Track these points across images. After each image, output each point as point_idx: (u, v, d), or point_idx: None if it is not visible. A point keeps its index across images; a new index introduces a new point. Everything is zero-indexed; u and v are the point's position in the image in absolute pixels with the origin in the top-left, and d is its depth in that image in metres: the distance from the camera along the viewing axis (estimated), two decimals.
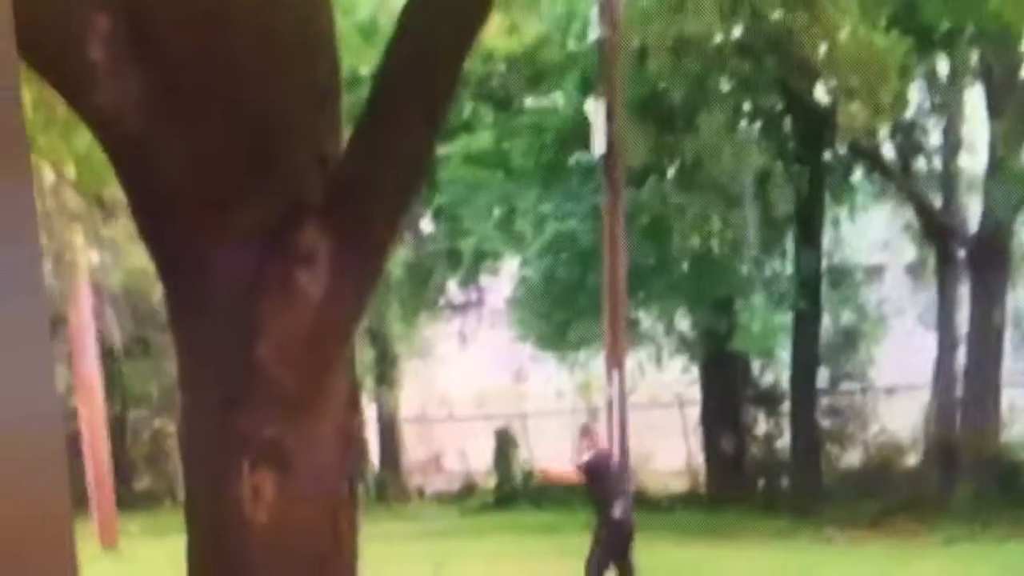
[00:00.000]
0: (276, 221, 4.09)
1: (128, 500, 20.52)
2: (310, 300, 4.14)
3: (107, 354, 20.10)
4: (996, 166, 18.68)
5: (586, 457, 12.72)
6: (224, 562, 4.20)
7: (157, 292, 18.34)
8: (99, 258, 18.67)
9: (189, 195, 4.14)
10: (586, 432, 13.33)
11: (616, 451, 16.06)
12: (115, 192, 15.51)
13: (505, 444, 22.49)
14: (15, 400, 0.99)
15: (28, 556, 1.03)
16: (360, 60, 12.83)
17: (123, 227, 16.56)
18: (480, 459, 22.87)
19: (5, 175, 1.01)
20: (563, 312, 19.05)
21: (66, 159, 15.20)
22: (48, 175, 16.16)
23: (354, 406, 4.48)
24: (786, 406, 21.74)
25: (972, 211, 20.28)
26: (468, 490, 22.85)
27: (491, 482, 22.66)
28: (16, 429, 1.00)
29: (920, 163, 20.74)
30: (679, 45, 15.50)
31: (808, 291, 20.15)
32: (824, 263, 20.99)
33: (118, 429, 20.83)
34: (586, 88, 16.89)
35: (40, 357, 1.01)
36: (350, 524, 4.34)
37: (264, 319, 4.14)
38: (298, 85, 4.24)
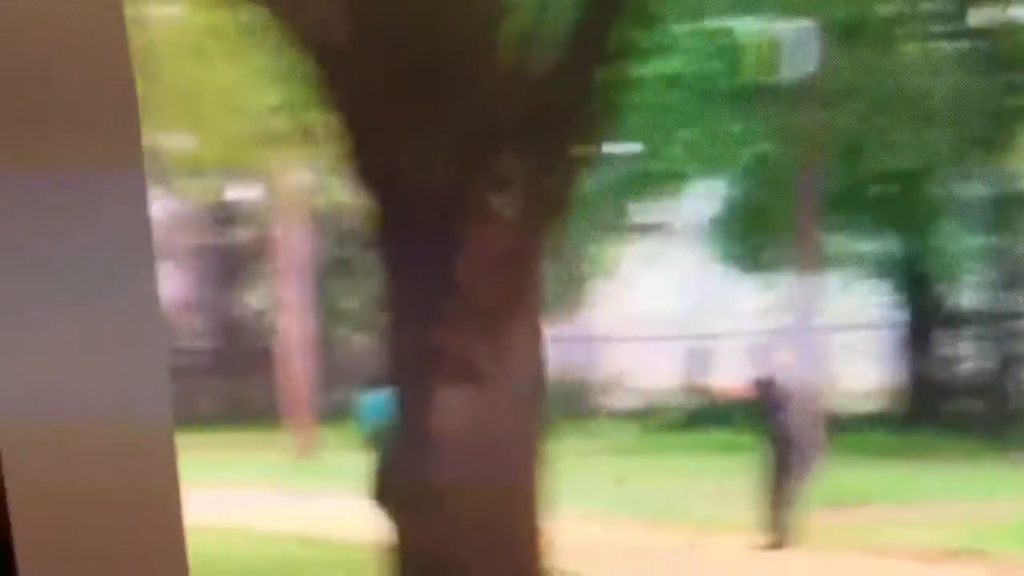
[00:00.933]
0: (474, 144, 4.34)
1: (327, 413, 21.16)
2: (505, 221, 4.40)
3: (313, 271, 20.81)
4: None
5: (761, 374, 12.82)
6: (422, 470, 4.46)
7: (359, 211, 19.08)
8: (305, 179, 19.25)
9: (390, 114, 4.39)
10: (764, 350, 13.39)
11: (801, 371, 16.34)
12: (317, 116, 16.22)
13: (690, 364, 22.78)
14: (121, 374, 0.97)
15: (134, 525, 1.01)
16: None
17: (328, 150, 17.12)
18: (664, 378, 23.13)
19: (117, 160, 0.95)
20: (755, 234, 19.27)
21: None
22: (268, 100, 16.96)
23: (543, 323, 4.56)
24: (978, 329, 21.48)
25: None
26: (651, 409, 23.08)
27: (675, 401, 22.91)
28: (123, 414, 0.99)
29: None
30: None
31: (1002, 213, 19.81)
32: (1021, 185, 20.55)
33: (319, 345, 21.52)
34: (785, 8, 16.83)
35: (149, 330, 0.97)
36: (539, 437, 4.47)
37: (462, 239, 4.39)
38: (494, 12, 4.34)
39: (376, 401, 12.95)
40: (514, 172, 4.46)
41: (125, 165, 0.95)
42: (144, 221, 0.96)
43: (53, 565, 0.94)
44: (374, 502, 11.89)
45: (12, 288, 0.90)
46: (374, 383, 13.37)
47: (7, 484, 0.91)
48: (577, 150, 4.68)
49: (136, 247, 0.95)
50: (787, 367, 13.92)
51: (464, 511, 4.47)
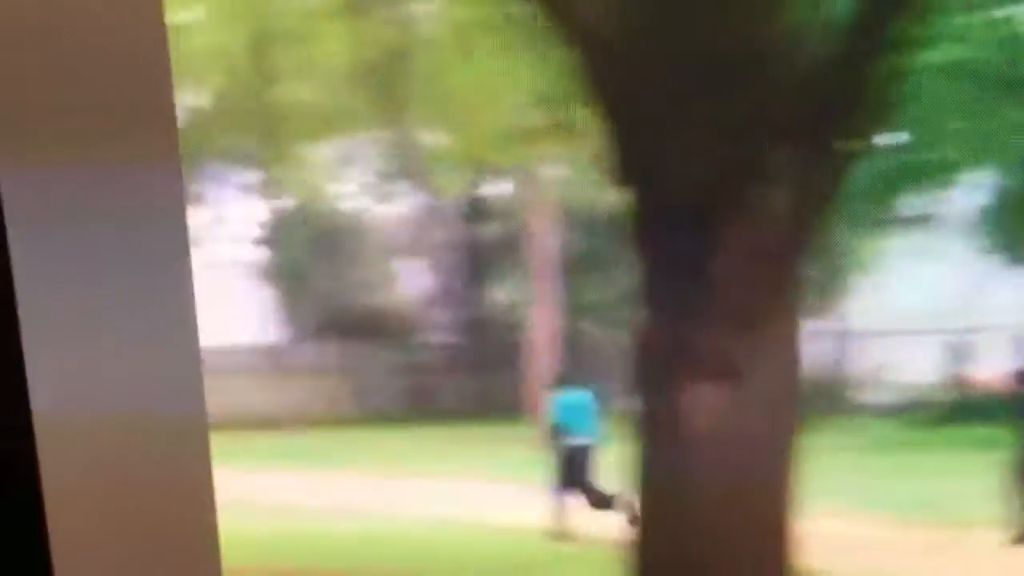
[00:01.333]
0: (742, 139, 4.28)
1: None
2: (770, 217, 4.29)
3: (562, 267, 21.03)
4: None
5: (1018, 366, 12.49)
6: (670, 468, 4.39)
7: (609, 205, 19.12)
8: (559, 174, 19.47)
9: (656, 108, 4.32)
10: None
11: None
12: (577, 110, 16.37)
13: (952, 358, 22.20)
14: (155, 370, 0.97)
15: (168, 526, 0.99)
16: None
17: (585, 145, 17.26)
18: (925, 373, 22.62)
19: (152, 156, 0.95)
20: None
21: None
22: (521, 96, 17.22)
23: (801, 320, 4.39)
24: None
25: None
26: (910, 404, 22.61)
27: (934, 396, 22.37)
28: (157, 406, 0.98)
29: None
30: None
31: None
32: None
33: (565, 338, 21.72)
34: None
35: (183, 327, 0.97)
36: (793, 435, 4.31)
37: (723, 235, 4.32)
38: (770, 5, 4.23)
39: (570, 400, 13.06)
40: (783, 167, 4.39)
41: (162, 161, 0.95)
42: (180, 216, 0.96)
43: (87, 559, 0.93)
44: (586, 502, 11.92)
45: (49, 284, 0.90)
46: (567, 381, 13.51)
47: (43, 478, 0.90)
48: (849, 144, 4.60)
49: (172, 243, 0.95)
50: None
51: (713, 508, 4.44)
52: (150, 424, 0.97)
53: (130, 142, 0.94)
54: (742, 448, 4.39)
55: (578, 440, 12.67)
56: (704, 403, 4.36)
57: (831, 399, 22.39)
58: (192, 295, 0.98)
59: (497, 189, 21.73)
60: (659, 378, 4.49)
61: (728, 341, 4.36)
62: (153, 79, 0.95)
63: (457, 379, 23.98)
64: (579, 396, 13.20)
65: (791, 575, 4.43)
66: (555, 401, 13.12)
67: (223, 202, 23.66)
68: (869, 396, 23.61)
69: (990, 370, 15.96)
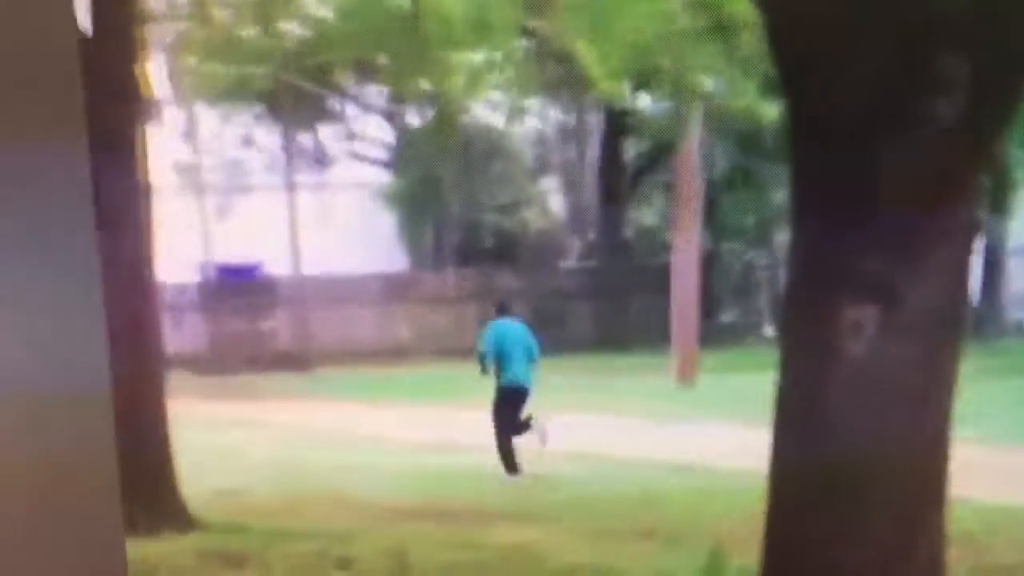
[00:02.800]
0: (913, 43, 3.89)
1: (711, 335, 20.80)
2: (944, 129, 3.92)
3: (709, 185, 20.38)
4: None
5: None
6: (819, 396, 4.09)
7: (767, 121, 18.48)
8: (711, 84, 18.77)
9: (824, 9, 4.02)
10: None
11: None
12: (736, 9, 15.76)
13: None
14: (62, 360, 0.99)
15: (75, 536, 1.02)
16: None
17: (744, 52, 16.59)
18: None
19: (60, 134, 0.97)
20: None
21: None
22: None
23: (971, 241, 4.15)
24: None
25: None
26: None
27: None
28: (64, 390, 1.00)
29: None
30: None
31: None
32: None
33: (709, 262, 21.12)
34: None
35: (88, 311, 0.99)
36: (952, 362, 4.07)
37: (890, 149, 3.94)
38: None
39: (504, 329, 12.68)
40: (957, 75, 3.87)
41: (66, 140, 0.98)
42: (84, 190, 0.99)
43: None
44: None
45: None
46: (504, 310, 13.11)
47: None
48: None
49: (76, 222, 0.98)
50: None
51: (860, 431, 4.13)
52: (54, 400, 1.00)
53: (34, 121, 0.97)
54: (896, 376, 4.05)
55: (512, 382, 12.30)
56: (858, 327, 4.00)
57: (987, 321, 21.76)
58: (96, 267, 1.00)
59: (644, 103, 21.07)
60: (811, 299, 4.16)
61: (887, 261, 3.99)
62: (59, 58, 0.98)
63: (596, 305, 23.48)
64: (514, 327, 12.78)
65: (940, 504, 4.19)
66: (491, 330, 12.77)
67: (355, 118, 23.33)
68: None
69: None
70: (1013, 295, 23.27)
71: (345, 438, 14.68)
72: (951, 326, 4.08)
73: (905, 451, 4.10)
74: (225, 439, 14.02)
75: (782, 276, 19.04)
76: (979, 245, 21.54)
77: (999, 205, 21.29)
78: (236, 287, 23.13)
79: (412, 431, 15.17)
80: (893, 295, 3.98)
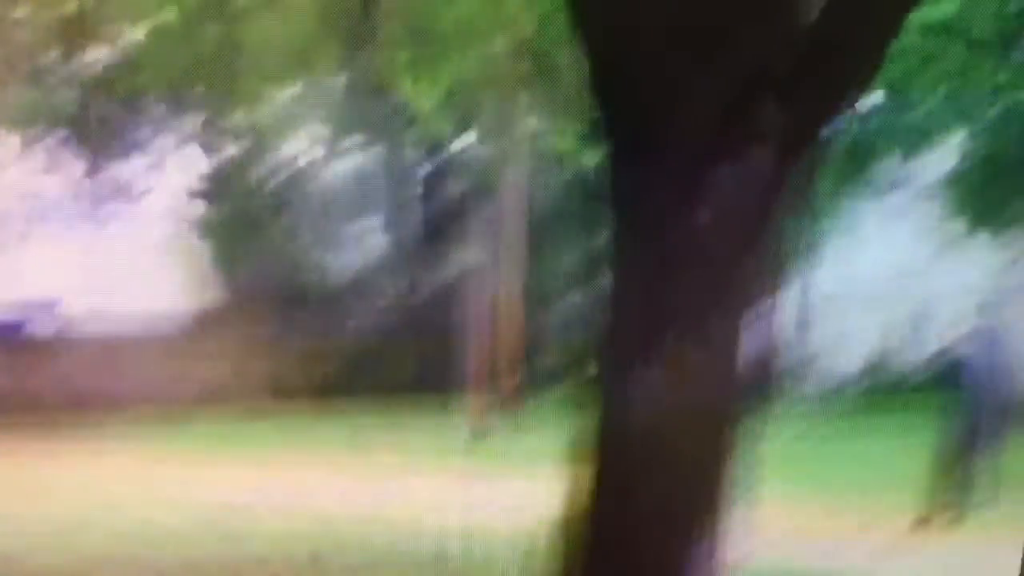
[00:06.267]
0: (735, 92, 4.00)
1: (535, 374, 20.80)
2: (759, 173, 4.03)
3: (531, 226, 20.35)
4: None
5: (979, 332, 12.58)
6: (632, 433, 4.15)
7: (589, 163, 18.51)
8: (534, 125, 18.78)
9: (649, 57, 4.09)
10: (991, 308, 13.11)
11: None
12: (560, 56, 15.72)
13: (919, 323, 22.36)
14: None
15: None
16: None
17: (567, 95, 16.62)
18: (891, 339, 22.88)
19: None
20: (1001, 188, 18.73)
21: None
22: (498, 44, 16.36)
23: (778, 282, 4.60)
24: None
25: None
26: (876, 369, 22.77)
27: (900, 362, 22.62)
28: None
29: None
30: None
31: None
32: None
33: (532, 302, 21.09)
34: None
35: None
36: (760, 402, 4.41)
37: (709, 189, 4.06)
38: None
39: None
40: (773, 123, 4.13)
41: None
42: None
43: None
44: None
45: None
46: None
47: None
48: (842, 101, 4.39)
49: None
50: (1007, 328, 13.28)
51: (662, 474, 4.31)
52: None
53: None
54: (703, 411, 4.25)
55: None
56: (676, 363, 4.19)
57: (791, 365, 22.35)
58: None
59: (466, 143, 20.93)
60: (629, 337, 4.32)
61: (703, 298, 4.20)
62: None
63: (413, 344, 23.18)
64: None
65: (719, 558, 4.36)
66: None
67: (163, 150, 22.57)
68: (834, 360, 23.77)
69: (951, 336, 15.99)
70: (820, 341, 23.98)
71: (138, 495, 13.88)
72: (761, 365, 4.21)
73: (688, 499, 4.14)
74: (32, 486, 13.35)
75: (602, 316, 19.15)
76: (788, 291, 22.14)
77: (808, 252, 22.02)
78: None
79: (210, 489, 14.45)
80: (708, 332, 4.06)
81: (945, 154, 20.30)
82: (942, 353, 20.55)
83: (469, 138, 20.65)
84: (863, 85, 4.44)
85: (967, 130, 19.21)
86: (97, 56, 19.33)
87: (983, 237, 20.65)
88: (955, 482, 12.06)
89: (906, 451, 15.10)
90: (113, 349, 21.75)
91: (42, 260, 21.98)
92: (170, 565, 9.90)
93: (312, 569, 10.07)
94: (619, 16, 4.17)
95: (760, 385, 4.41)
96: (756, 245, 4.12)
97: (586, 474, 4.24)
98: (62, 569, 9.67)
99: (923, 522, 11.92)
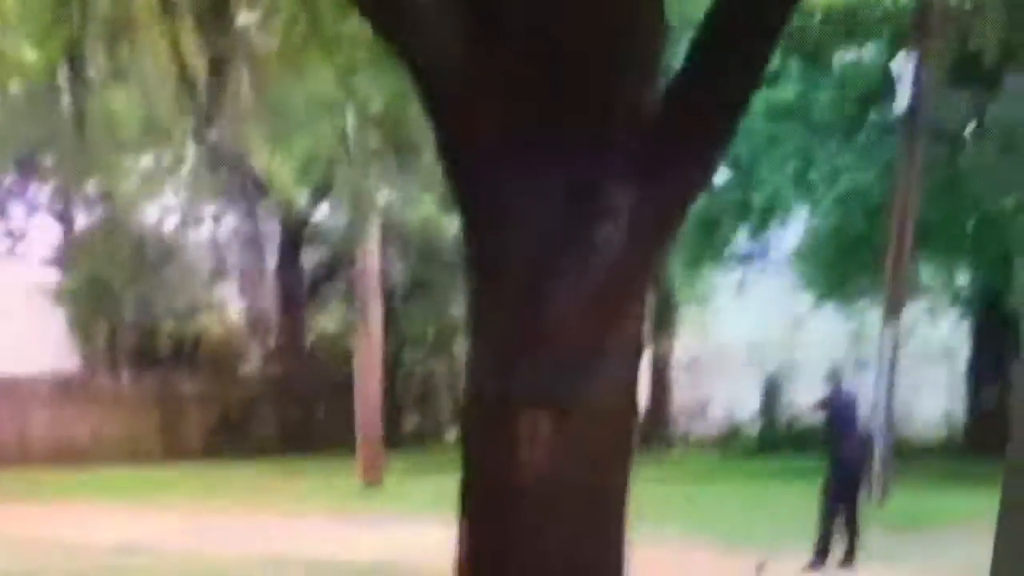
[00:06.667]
0: (582, 172, 4.03)
1: (395, 440, 20.81)
2: (609, 253, 4.07)
3: (388, 295, 20.34)
4: None
5: (833, 395, 12.91)
6: (497, 500, 4.18)
7: (445, 233, 18.66)
8: (392, 198, 18.81)
9: (500, 138, 4.09)
10: (841, 374, 13.54)
11: (877, 399, 16.63)
12: (414, 134, 15.84)
13: (772, 391, 22.96)
14: None
15: None
16: (695, 7, 12.62)
17: (421, 167, 16.73)
18: (746, 406, 23.32)
19: None
20: (846, 263, 19.25)
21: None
22: (350, 118, 16.46)
23: (639, 357, 4.32)
24: None
25: None
26: (732, 435, 23.11)
27: (754, 427, 23.11)
28: None
29: None
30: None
31: None
32: None
33: (391, 369, 21.09)
34: (898, 44, 16.87)
35: None
36: (624, 471, 4.28)
37: (560, 269, 4.08)
38: (614, 34, 4.06)
39: None
40: (621, 202, 4.13)
41: None
42: None
43: None
44: None
45: None
46: None
47: None
48: (690, 180, 4.36)
49: None
50: (861, 390, 14.28)
51: (539, 529, 4.30)
52: None
53: None
54: (572, 483, 4.23)
55: None
56: (532, 438, 4.17)
57: (655, 431, 22.66)
58: None
59: (323, 212, 20.90)
60: (487, 409, 4.30)
61: (559, 377, 4.16)
62: None
63: (280, 410, 23.06)
64: None
65: None
66: None
67: (17, 218, 22.20)
68: (694, 427, 24.18)
69: (807, 402, 16.43)
70: (678, 408, 24.40)
71: (22, 544, 13.69)
72: (622, 435, 4.20)
73: (583, 551, 4.17)
74: None
75: (462, 384, 19.16)
76: (646, 360, 22.52)
77: (664, 322, 22.34)
78: None
79: (93, 533, 14.35)
80: (566, 408, 3.99)
81: (791, 230, 20.78)
82: (797, 418, 21.23)
83: (324, 208, 20.67)
84: (708, 167, 4.43)
85: (812, 207, 19.66)
86: None
87: (830, 309, 21.27)
88: (839, 528, 12.55)
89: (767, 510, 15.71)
90: None
91: None
92: None
93: None
94: (467, 88, 4.16)
95: (628, 453, 4.36)
96: (612, 322, 4.11)
97: (471, 529, 4.21)
98: None
99: (816, 564, 12.38)
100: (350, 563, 12.27)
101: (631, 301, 4.19)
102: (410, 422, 23.48)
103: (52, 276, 22.76)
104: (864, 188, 18.24)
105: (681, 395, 24.28)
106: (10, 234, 21.87)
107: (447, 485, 4.43)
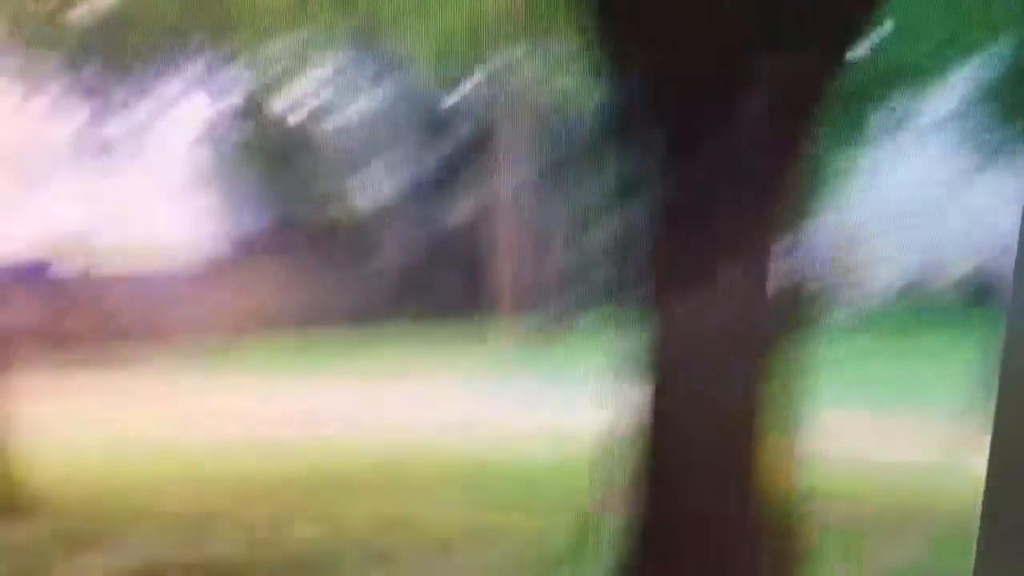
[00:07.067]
0: (732, 39, 4.00)
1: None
2: (759, 122, 4.08)
3: (532, 171, 19.97)
4: None
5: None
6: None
7: (587, 103, 18.16)
8: (534, 71, 18.38)
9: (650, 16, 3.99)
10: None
11: None
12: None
13: (927, 257, 22.23)
14: None
15: None
16: None
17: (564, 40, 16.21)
18: (904, 273, 22.99)
19: None
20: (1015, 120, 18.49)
21: None
22: None
23: (790, 229, 4.45)
24: None
25: None
26: (907, 290, 22.75)
27: (908, 296, 22.59)
28: None
29: None
30: None
31: None
32: None
33: (538, 245, 20.78)
34: None
35: None
36: (773, 344, 4.40)
37: (708, 140, 4.11)
38: None
39: None
40: (772, 71, 4.15)
41: None
42: None
43: None
44: None
45: None
46: None
47: None
48: (842, 46, 4.36)
49: None
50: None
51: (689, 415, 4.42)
52: None
53: None
54: (718, 357, 4.38)
55: None
56: (681, 303, 4.29)
57: (814, 304, 22.12)
58: None
59: (467, 88, 20.56)
60: (642, 281, 4.48)
61: (710, 248, 4.29)
62: None
63: (429, 282, 23.08)
64: None
65: (767, 492, 4.52)
66: None
67: (168, 97, 22.39)
68: (850, 298, 23.68)
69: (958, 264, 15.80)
70: (843, 278, 23.89)
71: (211, 415, 14.05)
72: (773, 308, 4.12)
73: (727, 436, 4.14)
74: (79, 418, 13.51)
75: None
76: (809, 232, 21.82)
77: (820, 193, 21.58)
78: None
79: (265, 408, 14.66)
80: (715, 276, 4.16)
81: (954, 88, 19.69)
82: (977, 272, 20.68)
83: (474, 80, 20.36)
84: (860, 28, 4.35)
85: (972, 63, 18.52)
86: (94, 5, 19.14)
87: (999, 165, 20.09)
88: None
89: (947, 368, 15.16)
90: (146, 283, 21.82)
91: (64, 200, 21.97)
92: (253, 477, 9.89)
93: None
94: None
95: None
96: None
97: (639, 392, 4.26)
98: (140, 484, 9.69)
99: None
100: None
101: (783, 172, 4.23)
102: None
103: (220, 146, 23.02)
104: None
105: (839, 267, 23.88)
106: (162, 113, 22.06)
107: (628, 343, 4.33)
